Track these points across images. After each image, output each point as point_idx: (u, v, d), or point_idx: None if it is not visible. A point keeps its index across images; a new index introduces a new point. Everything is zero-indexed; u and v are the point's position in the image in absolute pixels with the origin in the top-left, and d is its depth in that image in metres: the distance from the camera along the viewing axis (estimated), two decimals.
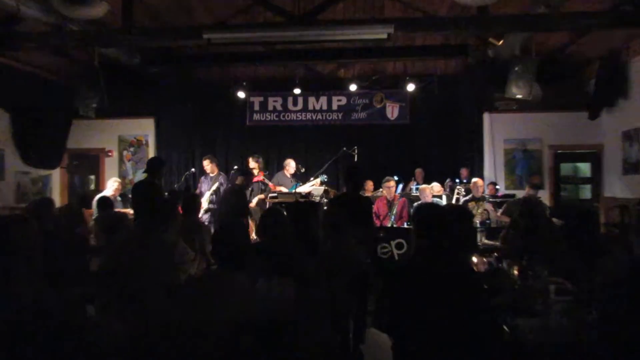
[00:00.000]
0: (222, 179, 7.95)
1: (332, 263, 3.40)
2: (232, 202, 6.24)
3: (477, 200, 7.21)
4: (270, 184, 7.87)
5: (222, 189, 7.78)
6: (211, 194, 7.71)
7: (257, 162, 7.97)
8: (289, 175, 8.06)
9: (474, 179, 7.53)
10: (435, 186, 7.89)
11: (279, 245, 3.39)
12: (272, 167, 9.92)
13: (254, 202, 7.57)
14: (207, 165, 8.00)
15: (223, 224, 2.94)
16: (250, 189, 7.69)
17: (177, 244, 3.51)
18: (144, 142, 10.25)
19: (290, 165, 8.09)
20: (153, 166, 5.87)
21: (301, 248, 3.51)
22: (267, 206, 7.71)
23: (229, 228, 2.66)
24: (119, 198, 7.60)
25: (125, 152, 10.28)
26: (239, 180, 6.43)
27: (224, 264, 2.52)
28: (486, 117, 9.55)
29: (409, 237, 6.32)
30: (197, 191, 8.05)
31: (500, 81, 7.48)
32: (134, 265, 3.16)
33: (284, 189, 7.77)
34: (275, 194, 7.62)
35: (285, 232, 3.49)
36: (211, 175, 8.03)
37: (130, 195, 6.29)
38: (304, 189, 7.65)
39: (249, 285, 2.48)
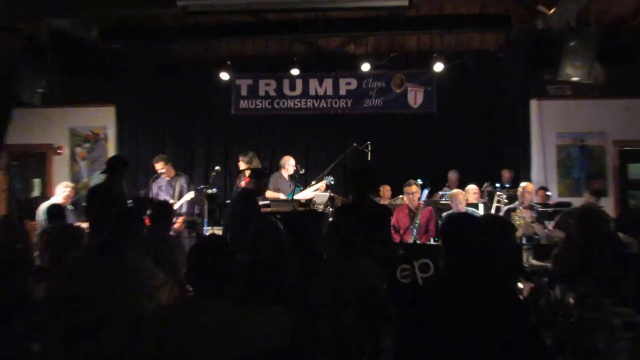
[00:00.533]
0: (184, 181, 7.97)
1: (340, 289, 3.39)
2: (237, 212, 6.10)
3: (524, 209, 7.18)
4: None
5: (184, 193, 7.82)
6: (188, 200, 7.75)
7: (248, 162, 7.98)
8: (287, 177, 8.03)
9: (523, 184, 7.50)
10: (471, 190, 7.89)
11: (273, 267, 3.40)
12: (262, 167, 9.91)
13: None
14: (160, 168, 8.01)
15: (201, 240, 2.94)
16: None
17: (144, 264, 3.51)
18: (101, 136, 10.27)
19: (289, 164, 8.08)
20: (114, 166, 5.89)
21: (301, 270, 3.51)
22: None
23: (208, 245, 2.67)
24: (70, 206, 7.62)
25: (78, 149, 10.30)
26: (250, 184, 6.27)
27: (202, 289, 2.52)
28: (534, 104, 9.53)
29: (436, 256, 6.30)
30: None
31: (552, 60, 7.47)
32: (90, 290, 3.17)
33: (281, 196, 7.77)
34: (267, 202, 7.61)
35: (280, 250, 3.49)
36: (167, 179, 8.06)
37: (84, 203, 6.31)
38: (304, 195, 7.65)
39: (234, 315, 2.48)
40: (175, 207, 7.67)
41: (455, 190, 7.48)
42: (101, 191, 5.82)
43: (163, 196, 7.97)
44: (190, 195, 7.92)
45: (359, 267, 3.62)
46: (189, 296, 2.71)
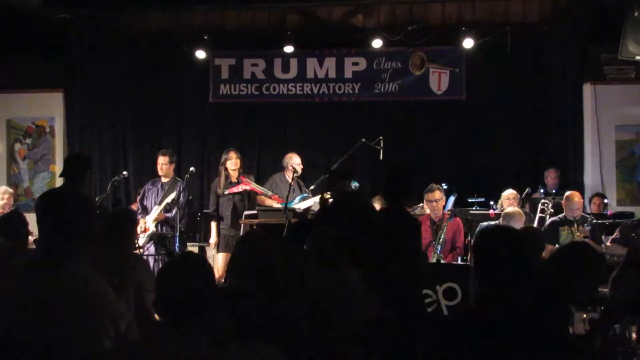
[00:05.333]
0: (180, 186, 8.01)
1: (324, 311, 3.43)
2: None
3: (572, 223, 7.18)
4: (271, 194, 7.83)
5: (181, 200, 7.83)
6: (164, 209, 7.73)
7: (235, 161, 7.98)
8: (289, 180, 7.99)
9: (568, 193, 7.50)
10: (508, 197, 7.89)
11: (262, 292, 3.40)
12: (249, 169, 9.91)
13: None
14: (164, 163, 8.03)
15: (176, 258, 2.94)
16: (230, 205, 7.72)
17: (102, 286, 3.50)
18: (47, 129, 10.28)
19: (294, 162, 8.07)
20: (75, 167, 5.92)
21: (297, 294, 3.53)
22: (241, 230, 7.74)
23: (184, 264, 2.67)
24: None
25: (17, 146, 10.29)
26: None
27: (174, 322, 2.52)
28: (588, 90, 9.54)
29: (465, 279, 6.32)
30: (136, 207, 8.09)
31: (611, 34, 7.50)
32: (20, 325, 3.13)
33: (275, 204, 7.76)
34: (254, 212, 7.61)
35: (271, 271, 3.50)
36: (164, 180, 8.08)
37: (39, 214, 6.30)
38: (307, 204, 7.65)
39: (213, 354, 2.49)
40: (151, 215, 7.72)
41: (513, 210, 7.26)
42: (67, 197, 5.77)
43: (151, 202, 7.99)
44: (168, 198, 7.89)
45: (347, 289, 3.66)
46: (156, 330, 2.70)
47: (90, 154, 9.85)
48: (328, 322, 3.41)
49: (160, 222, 7.89)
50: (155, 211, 7.81)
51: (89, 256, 3.68)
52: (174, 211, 7.72)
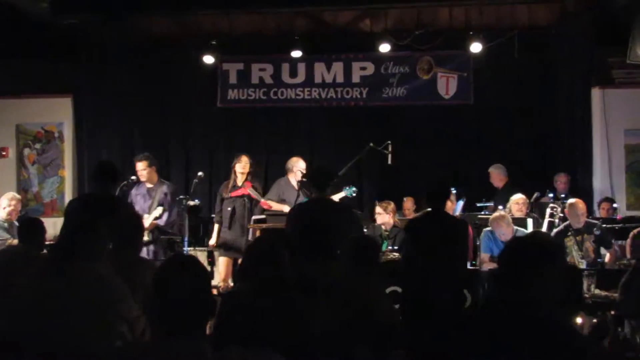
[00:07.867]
0: (167, 189, 7.97)
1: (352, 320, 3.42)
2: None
3: (577, 232, 7.15)
4: (262, 200, 7.85)
5: (167, 204, 7.83)
6: (157, 217, 7.72)
7: (245, 165, 7.98)
8: (295, 184, 7.99)
9: (571, 200, 7.42)
10: (517, 201, 7.86)
11: (269, 298, 3.41)
12: (257, 174, 9.92)
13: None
14: (142, 169, 7.97)
15: (171, 259, 2.90)
16: (231, 209, 7.71)
17: (118, 285, 3.50)
18: (56, 134, 10.31)
19: (299, 167, 8.07)
20: (108, 174, 5.99)
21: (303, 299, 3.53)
22: (249, 235, 7.75)
23: (174, 267, 2.66)
24: (15, 223, 7.61)
25: (27, 151, 10.33)
26: None
27: (171, 327, 2.51)
28: (596, 94, 9.51)
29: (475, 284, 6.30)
30: None
31: (619, 38, 7.48)
32: (44, 319, 3.15)
33: (285, 208, 7.77)
34: (262, 217, 7.60)
35: (279, 275, 3.50)
36: (149, 186, 8.06)
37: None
38: None
39: (214, 358, 2.49)
40: (146, 222, 7.72)
41: (497, 214, 7.32)
42: (105, 203, 5.81)
43: (140, 206, 7.98)
44: (157, 212, 7.88)
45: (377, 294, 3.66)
46: (159, 334, 2.67)
47: (97, 160, 9.93)
48: (347, 326, 3.41)
49: (152, 230, 7.87)
50: (146, 221, 7.79)
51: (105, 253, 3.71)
52: (164, 217, 7.74)
